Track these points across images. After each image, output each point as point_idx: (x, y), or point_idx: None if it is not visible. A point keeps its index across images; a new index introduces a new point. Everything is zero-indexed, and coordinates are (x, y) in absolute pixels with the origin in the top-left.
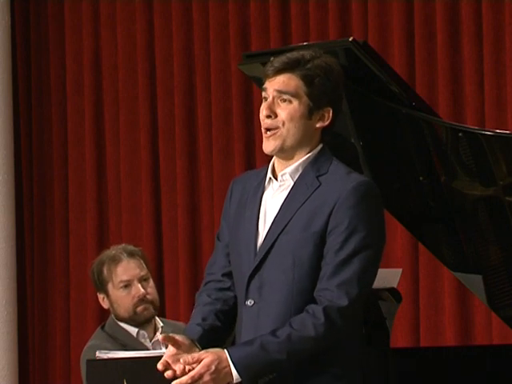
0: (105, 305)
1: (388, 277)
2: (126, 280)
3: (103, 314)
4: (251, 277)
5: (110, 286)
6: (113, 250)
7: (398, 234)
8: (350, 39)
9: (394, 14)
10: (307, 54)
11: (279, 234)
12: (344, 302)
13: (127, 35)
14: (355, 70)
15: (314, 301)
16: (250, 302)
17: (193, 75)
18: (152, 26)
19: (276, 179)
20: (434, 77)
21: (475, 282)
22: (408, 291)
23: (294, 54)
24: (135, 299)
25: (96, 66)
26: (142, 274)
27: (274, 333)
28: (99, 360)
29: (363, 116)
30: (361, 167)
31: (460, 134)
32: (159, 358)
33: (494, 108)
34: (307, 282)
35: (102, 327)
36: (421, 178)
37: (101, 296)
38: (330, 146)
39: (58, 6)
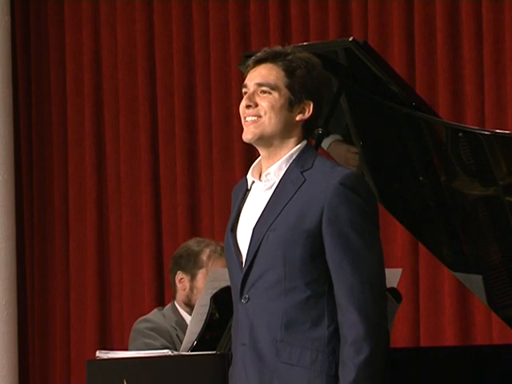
0: (181, 284)
1: (388, 277)
2: None
3: (103, 314)
4: (246, 275)
5: (201, 272)
6: (215, 244)
7: (398, 234)
8: (350, 39)
9: (394, 14)
10: (289, 48)
11: (266, 231)
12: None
13: (127, 35)
14: (355, 70)
15: (312, 306)
16: (244, 300)
17: (193, 75)
18: (152, 26)
19: (260, 180)
20: (433, 77)
21: (475, 282)
22: (408, 291)
23: (277, 47)
24: None
25: (96, 65)
26: None
27: None
28: (99, 360)
29: (363, 116)
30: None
31: (460, 134)
32: (159, 358)
33: (494, 108)
34: (299, 279)
35: (160, 310)
36: (421, 178)
37: (181, 275)
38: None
39: (58, 5)
